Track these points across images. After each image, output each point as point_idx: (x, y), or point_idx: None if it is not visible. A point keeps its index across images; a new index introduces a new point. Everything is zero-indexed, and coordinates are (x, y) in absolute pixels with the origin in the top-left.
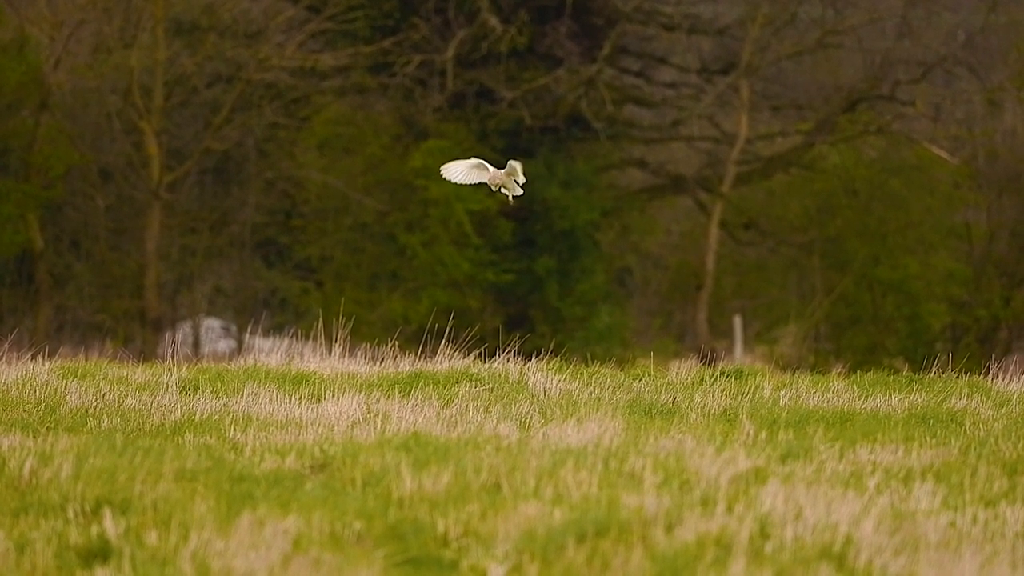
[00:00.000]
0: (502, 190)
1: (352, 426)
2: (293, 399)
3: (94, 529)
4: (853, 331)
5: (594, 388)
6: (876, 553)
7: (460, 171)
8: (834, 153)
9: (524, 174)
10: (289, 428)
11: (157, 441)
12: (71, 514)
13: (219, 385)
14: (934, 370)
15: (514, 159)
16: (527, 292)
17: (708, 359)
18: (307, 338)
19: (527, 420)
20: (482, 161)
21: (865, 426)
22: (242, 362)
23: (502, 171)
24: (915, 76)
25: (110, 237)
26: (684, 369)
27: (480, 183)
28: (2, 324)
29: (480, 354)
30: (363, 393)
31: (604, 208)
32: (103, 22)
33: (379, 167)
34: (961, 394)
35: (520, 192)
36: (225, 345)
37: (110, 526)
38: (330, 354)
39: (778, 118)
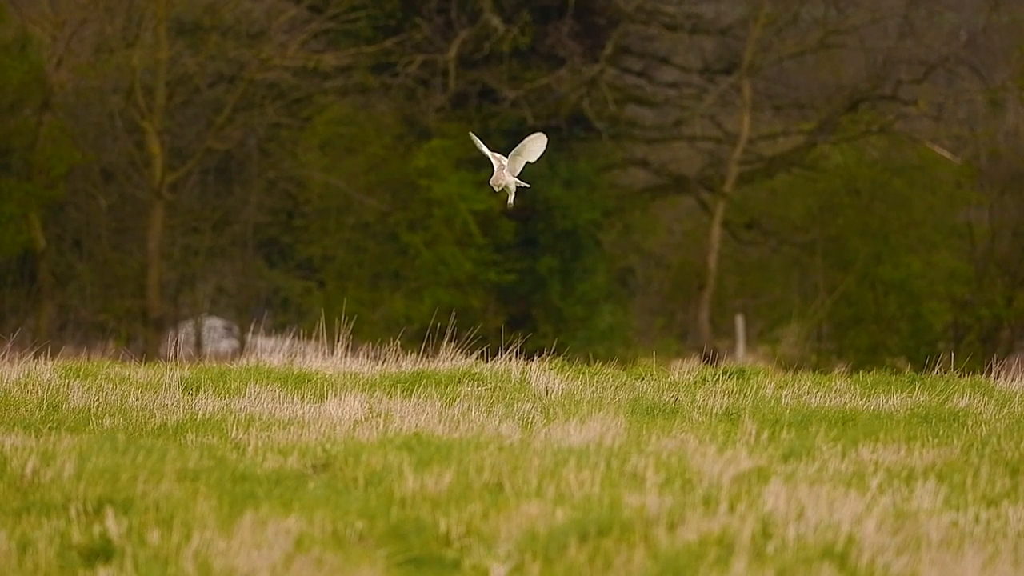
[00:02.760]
0: (507, 188)
1: (354, 426)
2: (295, 399)
3: (96, 529)
4: (855, 330)
5: (596, 388)
6: (878, 553)
7: (484, 149)
8: (836, 153)
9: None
10: (291, 428)
11: (159, 441)
12: (73, 513)
13: (221, 385)
14: (936, 370)
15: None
16: (529, 292)
17: (710, 359)
18: (309, 338)
19: (529, 420)
20: (501, 163)
21: (867, 426)
22: (244, 362)
23: (505, 170)
24: (917, 76)
25: (112, 236)
26: (686, 369)
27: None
28: (4, 323)
29: (482, 354)
30: (365, 393)
31: (606, 208)
32: (105, 21)
33: (381, 167)
34: (963, 394)
35: (520, 186)
36: (227, 345)
37: (112, 526)
38: (332, 354)
39: (780, 118)
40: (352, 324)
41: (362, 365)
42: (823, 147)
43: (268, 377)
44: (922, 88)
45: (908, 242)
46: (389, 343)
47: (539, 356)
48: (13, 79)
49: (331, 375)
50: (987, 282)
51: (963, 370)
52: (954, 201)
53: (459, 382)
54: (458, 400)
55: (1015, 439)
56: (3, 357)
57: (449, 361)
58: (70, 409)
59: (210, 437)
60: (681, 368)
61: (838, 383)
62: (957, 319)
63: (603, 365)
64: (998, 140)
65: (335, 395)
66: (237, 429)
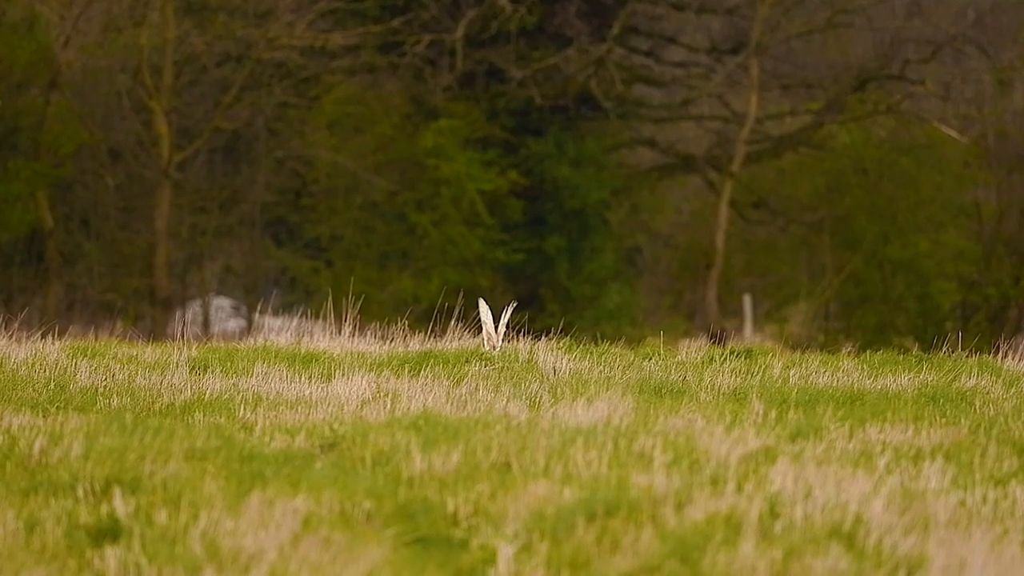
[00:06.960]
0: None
1: (362, 405)
2: (303, 378)
3: (104, 508)
4: (863, 310)
5: (604, 367)
6: (886, 532)
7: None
8: (844, 132)
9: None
10: (299, 407)
11: (167, 420)
12: (81, 493)
13: (229, 364)
14: (944, 349)
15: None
16: (537, 271)
17: (718, 338)
18: (317, 317)
19: (537, 399)
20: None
21: (875, 405)
22: (252, 341)
23: (495, 331)
24: (925, 55)
25: (120, 216)
26: (694, 348)
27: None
28: (12, 303)
29: None
30: (373, 372)
31: (614, 187)
32: (113, 1)
33: (389, 146)
34: (971, 373)
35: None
36: (235, 324)
37: (120, 505)
38: (340, 333)
39: (788, 97)
40: (360, 304)
41: (370, 345)
42: (830, 127)
43: (275, 357)
44: (929, 68)
45: (916, 222)
46: (397, 323)
47: (547, 336)
48: (21, 58)
49: (338, 355)
50: (994, 262)
51: (971, 350)
52: (961, 181)
53: (466, 362)
54: (465, 380)
55: (1022, 419)
56: (11, 337)
57: (457, 341)
58: (77, 389)
59: (218, 417)
60: (689, 348)
61: (845, 363)
62: (965, 299)
63: (611, 345)
64: (1005, 120)
65: (343, 375)
66: (245, 409)
